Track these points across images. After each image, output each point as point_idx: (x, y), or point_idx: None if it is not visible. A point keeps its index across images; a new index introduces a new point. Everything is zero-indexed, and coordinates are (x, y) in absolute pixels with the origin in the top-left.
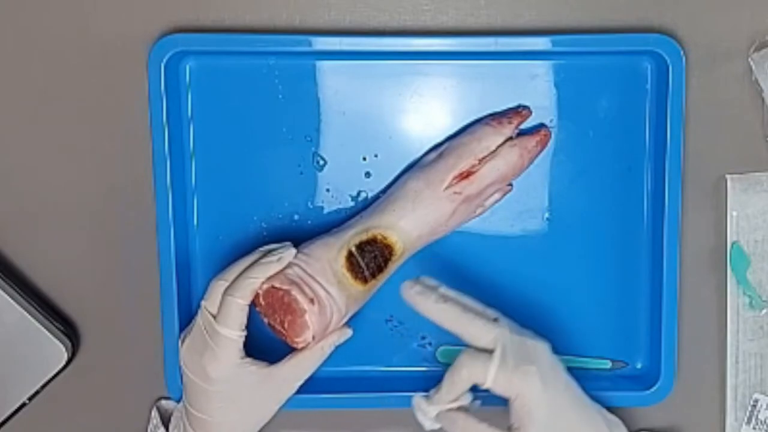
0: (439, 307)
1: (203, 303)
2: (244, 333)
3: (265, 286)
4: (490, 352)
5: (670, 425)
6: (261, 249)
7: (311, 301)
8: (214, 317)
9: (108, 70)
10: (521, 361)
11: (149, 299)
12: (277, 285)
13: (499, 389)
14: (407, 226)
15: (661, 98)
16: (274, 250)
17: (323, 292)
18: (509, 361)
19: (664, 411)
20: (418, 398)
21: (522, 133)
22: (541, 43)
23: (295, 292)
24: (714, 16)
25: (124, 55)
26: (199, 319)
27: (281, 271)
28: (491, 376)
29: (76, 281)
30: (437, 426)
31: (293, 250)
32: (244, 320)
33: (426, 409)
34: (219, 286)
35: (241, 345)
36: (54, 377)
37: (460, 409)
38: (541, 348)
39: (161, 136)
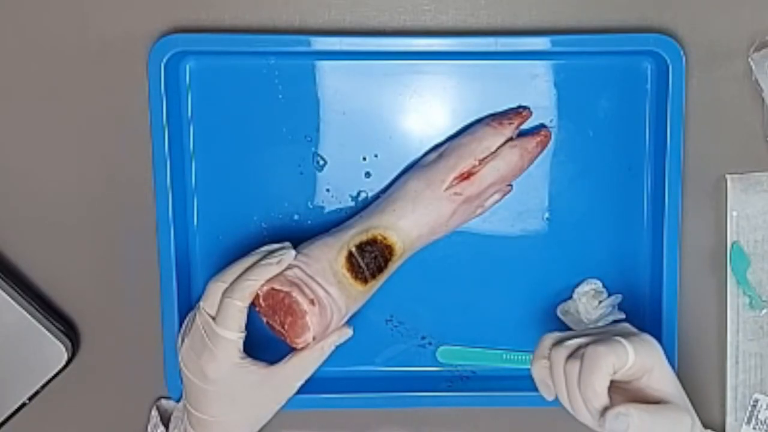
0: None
1: (201, 304)
2: (244, 334)
3: (265, 288)
4: None
5: None
6: (260, 250)
7: (312, 302)
8: (213, 318)
9: (108, 70)
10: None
11: (149, 299)
12: (278, 287)
13: (640, 363)
14: (407, 226)
15: (661, 98)
16: (274, 251)
17: (323, 292)
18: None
19: None
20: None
21: (522, 134)
22: (541, 43)
23: (295, 294)
24: (714, 16)
25: (124, 55)
26: (198, 320)
27: (281, 272)
28: (631, 352)
29: (76, 281)
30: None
31: (293, 252)
32: (244, 321)
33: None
34: (217, 287)
35: (240, 346)
36: (54, 377)
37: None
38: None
39: (161, 135)
